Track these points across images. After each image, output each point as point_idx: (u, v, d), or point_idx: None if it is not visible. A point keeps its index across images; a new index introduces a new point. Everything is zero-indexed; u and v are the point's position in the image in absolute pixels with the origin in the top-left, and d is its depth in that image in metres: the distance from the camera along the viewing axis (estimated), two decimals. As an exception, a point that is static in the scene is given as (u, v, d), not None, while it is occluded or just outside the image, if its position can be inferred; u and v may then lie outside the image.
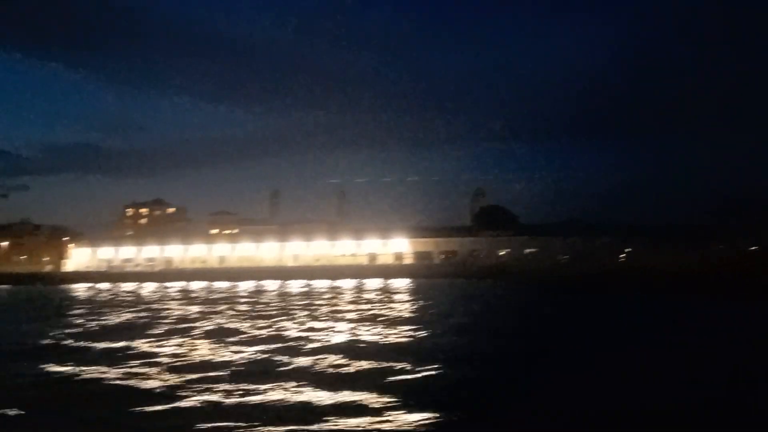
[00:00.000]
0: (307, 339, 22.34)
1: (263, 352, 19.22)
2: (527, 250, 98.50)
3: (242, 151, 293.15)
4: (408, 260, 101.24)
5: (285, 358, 17.82)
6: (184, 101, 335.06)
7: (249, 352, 19.18)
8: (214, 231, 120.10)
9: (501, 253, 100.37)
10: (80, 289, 76.50)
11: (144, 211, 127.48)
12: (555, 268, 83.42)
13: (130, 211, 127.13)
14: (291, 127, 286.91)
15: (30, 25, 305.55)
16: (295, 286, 69.55)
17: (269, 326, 26.88)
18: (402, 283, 70.41)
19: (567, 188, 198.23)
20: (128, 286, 77.93)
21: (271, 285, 72.79)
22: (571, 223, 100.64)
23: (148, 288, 73.13)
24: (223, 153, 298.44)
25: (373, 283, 71.20)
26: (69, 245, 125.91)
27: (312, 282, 78.40)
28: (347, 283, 72.35)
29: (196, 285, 77.29)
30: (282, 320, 29.38)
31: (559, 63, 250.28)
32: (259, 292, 58.83)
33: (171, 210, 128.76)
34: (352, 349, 19.45)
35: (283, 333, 24.37)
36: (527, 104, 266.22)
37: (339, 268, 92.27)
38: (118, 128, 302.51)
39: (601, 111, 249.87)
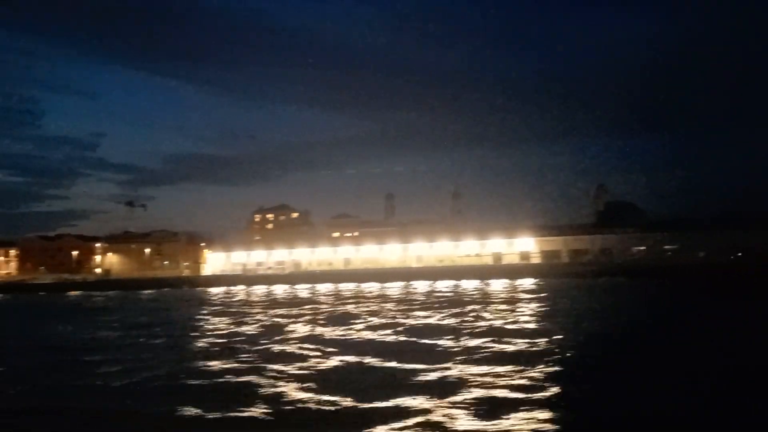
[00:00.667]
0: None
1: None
2: (667, 247, 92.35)
3: (355, 154, 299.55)
4: (535, 259, 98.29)
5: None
6: (291, 109, 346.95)
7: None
8: (336, 234, 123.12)
9: (635, 251, 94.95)
10: (218, 291, 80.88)
11: (270, 216, 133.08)
12: (706, 265, 76.98)
13: (257, 217, 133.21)
14: (402, 128, 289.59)
15: (151, 45, 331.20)
16: (432, 286, 69.79)
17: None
18: (542, 283, 68.57)
19: (694, 181, 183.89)
20: (261, 289, 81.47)
21: (404, 285, 73.35)
22: (707, 218, 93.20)
23: (297, 289, 75.82)
24: (336, 157, 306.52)
25: (501, 283, 69.85)
26: (204, 250, 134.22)
27: (437, 282, 78.40)
28: (475, 284, 71.57)
29: (324, 287, 79.38)
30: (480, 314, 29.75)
31: (680, 51, 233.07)
32: (409, 291, 59.57)
33: (295, 215, 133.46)
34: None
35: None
36: (646, 95, 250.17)
37: (463, 269, 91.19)
38: (232, 137, 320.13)
39: (727, 99, 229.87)
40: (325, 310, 40.66)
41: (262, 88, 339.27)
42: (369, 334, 25.94)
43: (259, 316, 36.96)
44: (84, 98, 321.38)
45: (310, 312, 38.61)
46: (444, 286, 71.65)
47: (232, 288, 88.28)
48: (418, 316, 32.91)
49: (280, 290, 76.31)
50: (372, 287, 73.80)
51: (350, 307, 41.50)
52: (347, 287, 76.13)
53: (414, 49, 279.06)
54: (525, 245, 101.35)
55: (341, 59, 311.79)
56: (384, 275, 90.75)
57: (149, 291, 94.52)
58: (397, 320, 31.58)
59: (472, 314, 33.25)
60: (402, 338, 24.63)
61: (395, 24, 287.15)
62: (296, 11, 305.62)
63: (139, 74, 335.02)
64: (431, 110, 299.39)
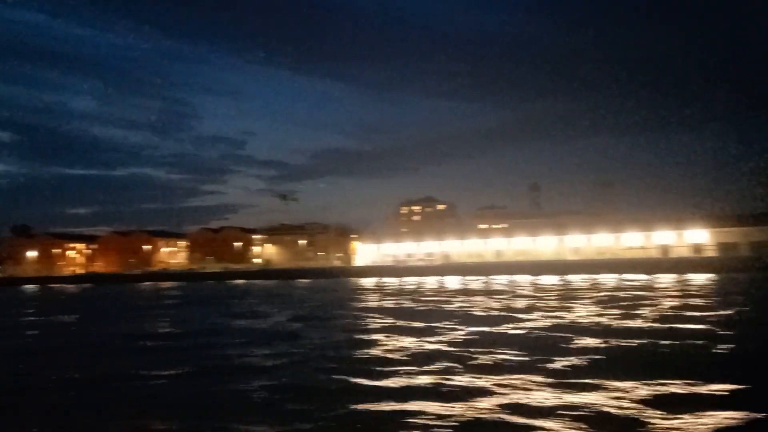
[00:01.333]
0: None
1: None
2: None
3: (494, 145, 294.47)
4: (709, 252, 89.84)
5: None
6: (429, 101, 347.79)
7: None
8: (483, 226, 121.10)
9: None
10: (369, 282, 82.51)
11: (417, 208, 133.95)
12: None
13: (404, 209, 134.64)
14: (542, 116, 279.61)
15: (295, 46, 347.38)
16: (594, 280, 66.20)
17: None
18: (718, 279, 62.45)
19: None
20: (412, 280, 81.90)
21: (569, 279, 70.25)
22: None
23: (446, 281, 75.67)
24: (475, 148, 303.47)
25: (670, 278, 64.39)
26: (353, 242, 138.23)
27: (598, 276, 74.24)
28: (642, 278, 66.69)
29: (475, 279, 78.08)
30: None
31: None
32: (596, 285, 56.78)
33: (441, 207, 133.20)
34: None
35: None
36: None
37: (626, 262, 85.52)
38: (372, 132, 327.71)
39: None
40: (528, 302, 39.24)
41: (400, 82, 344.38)
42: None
43: (486, 304, 36.54)
44: (235, 99, 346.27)
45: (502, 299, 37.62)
46: (606, 279, 67.73)
47: (383, 279, 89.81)
48: (593, 312, 30.63)
49: (431, 281, 76.19)
50: (530, 280, 71.37)
51: (550, 301, 39.14)
52: (499, 279, 74.32)
53: (550, 35, 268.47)
54: (697, 237, 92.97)
55: (478, 49, 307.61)
56: (538, 268, 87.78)
57: (305, 280, 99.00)
58: (605, 315, 29.64)
59: (658, 311, 30.39)
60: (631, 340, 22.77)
61: (530, 10, 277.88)
62: (432, 3, 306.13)
63: (284, 74, 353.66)
64: (573, 97, 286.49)
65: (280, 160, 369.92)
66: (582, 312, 29.97)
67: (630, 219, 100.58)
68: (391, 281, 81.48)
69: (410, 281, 78.71)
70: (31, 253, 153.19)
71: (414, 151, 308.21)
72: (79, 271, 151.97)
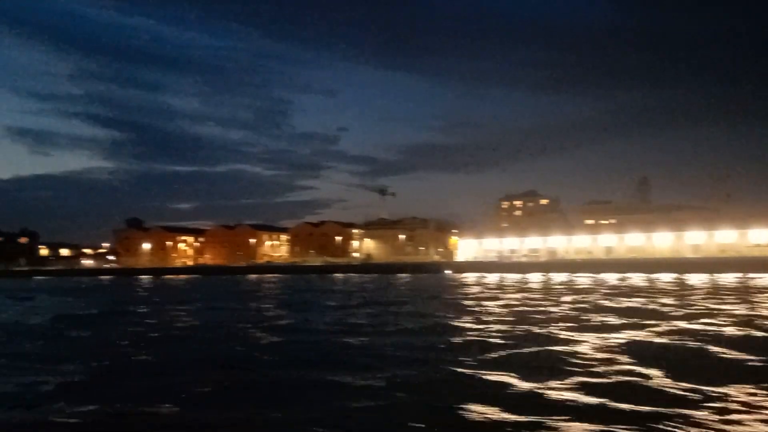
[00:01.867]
0: None
1: None
2: None
3: (592, 136, 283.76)
4: None
5: None
6: (520, 93, 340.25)
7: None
8: (589, 221, 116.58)
9: None
10: (470, 278, 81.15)
11: (518, 203, 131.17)
12: None
13: (505, 204, 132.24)
14: (642, 107, 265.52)
15: (384, 43, 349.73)
16: (718, 279, 61.68)
17: None
18: None
19: None
20: (514, 277, 79.79)
21: (688, 278, 65.97)
22: None
23: (557, 278, 73.24)
24: (571, 140, 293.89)
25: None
26: (451, 237, 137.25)
27: (721, 275, 69.12)
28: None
29: (583, 277, 74.92)
30: None
31: None
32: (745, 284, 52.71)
33: (544, 201, 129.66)
34: None
35: None
36: None
37: (754, 261, 79.40)
38: (462, 126, 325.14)
39: None
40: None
41: (491, 74, 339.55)
42: None
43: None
44: (328, 96, 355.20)
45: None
46: (729, 278, 62.77)
47: (485, 275, 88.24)
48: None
49: (536, 278, 73.82)
50: (646, 278, 67.58)
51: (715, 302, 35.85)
52: (609, 278, 70.87)
53: (649, 22, 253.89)
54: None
55: (573, 37, 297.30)
56: (653, 266, 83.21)
57: (404, 275, 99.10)
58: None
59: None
60: None
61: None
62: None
63: (376, 70, 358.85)
64: (680, 85, 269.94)
65: (372, 155, 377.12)
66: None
67: (756, 214, 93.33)
68: (492, 277, 79.81)
69: (513, 277, 76.72)
70: (146, 245, 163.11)
71: (507, 144, 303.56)
72: (189, 262, 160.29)
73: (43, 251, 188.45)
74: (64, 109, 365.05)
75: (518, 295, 39.95)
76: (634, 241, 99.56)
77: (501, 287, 51.49)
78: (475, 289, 48.77)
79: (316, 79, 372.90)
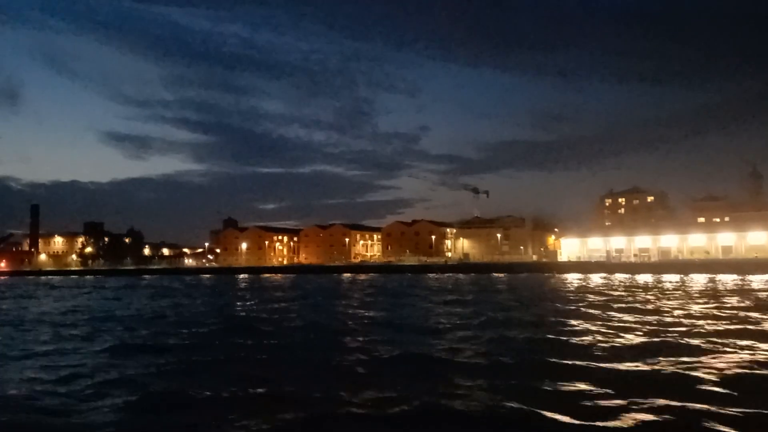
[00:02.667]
0: None
1: None
2: None
3: (696, 130, 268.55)
4: None
5: None
6: (612, 87, 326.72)
7: None
8: (701, 219, 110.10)
9: None
10: (573, 278, 78.29)
11: (622, 200, 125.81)
12: None
13: (608, 201, 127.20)
14: (748, 97, 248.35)
15: (467, 38, 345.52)
16: None
17: None
18: None
19: None
20: (622, 277, 76.28)
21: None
22: None
23: (669, 279, 69.66)
24: (671, 134, 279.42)
25: None
26: (551, 236, 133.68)
27: None
28: None
29: (699, 278, 70.57)
30: None
31: None
32: None
33: (650, 198, 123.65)
34: None
35: None
36: None
37: None
38: (550, 121, 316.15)
39: None
40: None
41: (580, 68, 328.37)
42: None
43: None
44: (410, 95, 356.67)
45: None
46: None
47: (590, 275, 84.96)
48: None
49: (647, 279, 70.11)
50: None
51: None
52: (727, 279, 66.31)
53: (755, 7, 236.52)
54: None
55: (673, 28, 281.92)
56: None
57: (501, 275, 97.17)
58: None
59: None
60: None
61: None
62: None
63: (459, 68, 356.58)
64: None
65: (455, 154, 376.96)
66: None
67: None
68: (596, 278, 76.62)
69: (622, 278, 73.33)
70: (243, 245, 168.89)
71: (604, 139, 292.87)
72: (284, 261, 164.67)
73: (145, 251, 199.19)
74: (159, 114, 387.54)
75: (672, 302, 37.73)
76: (756, 240, 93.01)
77: (628, 289, 48.94)
78: (603, 291, 46.67)
79: (399, 78, 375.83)
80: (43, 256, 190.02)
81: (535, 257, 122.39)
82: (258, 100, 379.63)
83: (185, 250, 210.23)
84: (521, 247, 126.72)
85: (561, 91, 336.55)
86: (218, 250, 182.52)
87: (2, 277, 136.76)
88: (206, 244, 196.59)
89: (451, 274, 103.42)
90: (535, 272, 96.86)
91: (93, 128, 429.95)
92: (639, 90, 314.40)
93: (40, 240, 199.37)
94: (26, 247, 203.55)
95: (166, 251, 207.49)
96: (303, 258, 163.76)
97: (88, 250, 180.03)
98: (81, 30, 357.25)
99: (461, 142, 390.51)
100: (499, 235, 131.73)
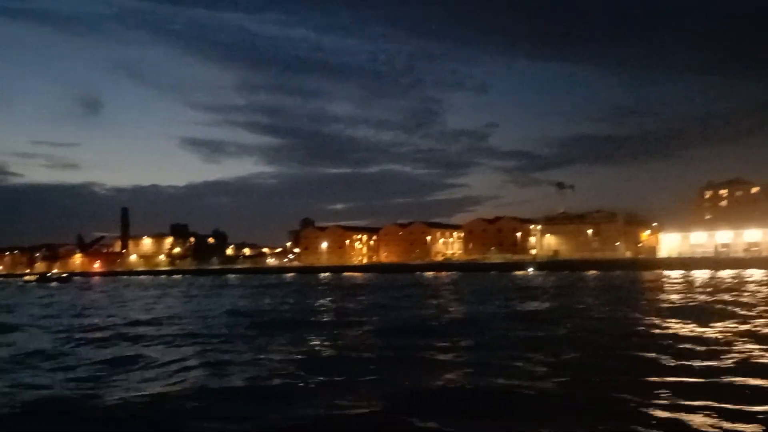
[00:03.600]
0: None
1: None
2: None
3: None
4: None
5: None
6: (691, 78, 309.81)
7: None
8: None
9: None
10: (675, 275, 73.65)
11: (723, 191, 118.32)
12: None
13: (708, 193, 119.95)
14: None
15: (535, 33, 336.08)
16: None
17: None
18: None
19: None
20: (729, 274, 71.04)
21: None
22: None
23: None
24: (755, 124, 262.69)
25: None
26: (643, 231, 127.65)
27: None
28: None
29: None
30: None
31: None
32: None
33: (755, 189, 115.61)
34: None
35: None
36: None
37: None
38: (626, 115, 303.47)
39: None
40: None
41: (656, 59, 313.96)
42: None
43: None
44: (478, 93, 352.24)
45: None
46: None
47: (693, 272, 79.91)
48: None
49: (758, 275, 64.81)
50: None
51: None
52: None
53: None
54: None
55: (752, 14, 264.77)
56: None
57: (593, 272, 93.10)
58: None
59: None
60: None
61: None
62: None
63: (528, 62, 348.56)
64: None
65: (524, 150, 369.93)
66: None
67: None
68: (700, 274, 71.72)
69: (729, 274, 68.26)
70: (323, 244, 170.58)
71: (679, 133, 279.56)
72: (364, 260, 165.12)
73: (228, 251, 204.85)
74: (231, 119, 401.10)
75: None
76: None
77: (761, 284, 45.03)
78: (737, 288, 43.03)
79: (466, 76, 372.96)
80: (133, 257, 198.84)
81: (628, 254, 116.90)
82: (326, 102, 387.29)
83: (264, 249, 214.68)
84: (616, 244, 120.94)
85: (634, 83, 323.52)
86: (297, 250, 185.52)
87: (96, 278, 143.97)
88: (288, 244, 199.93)
89: (539, 272, 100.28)
90: (632, 270, 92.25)
91: (171, 134, 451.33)
92: (717, 81, 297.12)
93: (130, 241, 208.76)
94: (117, 249, 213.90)
95: (246, 251, 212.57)
96: (383, 257, 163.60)
97: (177, 250, 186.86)
98: (158, 41, 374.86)
99: (531, 138, 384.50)
100: (590, 231, 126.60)
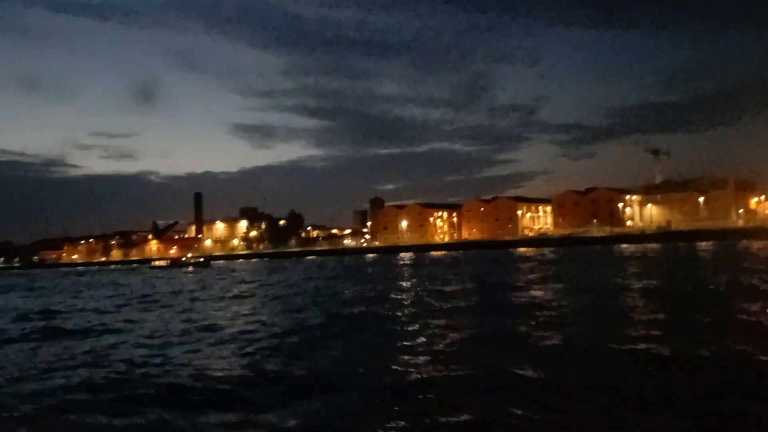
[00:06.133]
0: None
1: None
2: None
3: None
4: None
5: None
6: (748, 35, 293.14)
7: None
8: None
9: None
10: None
11: None
12: None
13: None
14: None
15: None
16: None
17: None
18: None
19: None
20: None
21: None
22: None
23: None
24: None
25: None
26: (753, 198, 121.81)
27: None
28: None
29: None
30: None
31: None
32: None
33: None
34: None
35: None
36: None
37: None
38: (682, 80, 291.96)
39: None
40: None
41: (711, 20, 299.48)
42: None
43: None
44: (527, 65, 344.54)
45: None
46: None
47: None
48: None
49: None
50: None
51: None
52: None
53: None
54: None
55: None
56: None
57: (706, 243, 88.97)
58: None
59: None
60: None
61: None
62: None
63: (579, 31, 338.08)
64: None
65: (577, 122, 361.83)
66: None
67: None
68: None
69: None
70: (403, 223, 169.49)
71: (744, 95, 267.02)
72: (446, 238, 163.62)
73: (304, 233, 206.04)
74: (280, 103, 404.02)
75: None
76: None
77: None
78: None
79: (516, 48, 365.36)
80: (208, 242, 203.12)
81: (741, 222, 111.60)
82: (373, 82, 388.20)
83: (334, 231, 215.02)
84: (732, 211, 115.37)
85: (692, 46, 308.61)
86: (366, 229, 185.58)
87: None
88: (362, 224, 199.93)
89: (647, 245, 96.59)
90: (755, 239, 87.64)
91: (222, 121, 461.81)
92: None
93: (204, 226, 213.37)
94: (191, 234, 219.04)
95: (315, 232, 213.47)
96: (467, 234, 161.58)
97: (253, 234, 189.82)
98: (208, 28, 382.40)
99: (584, 110, 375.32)
100: (701, 199, 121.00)
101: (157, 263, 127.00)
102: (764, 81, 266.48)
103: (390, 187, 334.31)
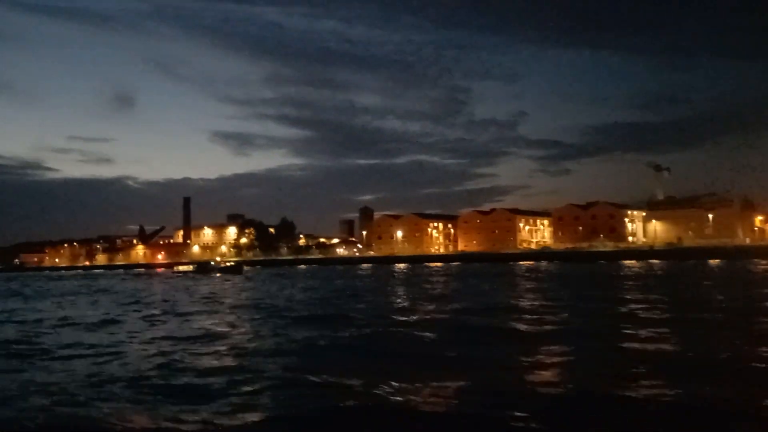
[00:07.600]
0: None
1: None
2: None
3: None
4: None
5: None
6: (717, 64, 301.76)
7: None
8: None
9: None
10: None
11: None
12: None
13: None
14: None
15: (566, 20, 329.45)
16: None
17: None
18: None
19: None
20: None
21: None
22: None
23: None
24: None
25: None
26: (758, 216, 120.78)
27: None
28: None
29: None
30: None
31: None
32: None
33: None
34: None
35: None
36: None
37: None
38: (658, 102, 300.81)
39: None
40: None
41: (687, 47, 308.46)
42: None
43: None
44: (507, 82, 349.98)
45: None
46: None
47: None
48: None
49: None
50: None
51: None
52: None
53: None
54: None
55: None
56: None
57: (716, 261, 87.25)
58: None
59: None
60: None
61: None
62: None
63: (561, 51, 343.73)
64: None
65: (554, 138, 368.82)
66: None
67: None
68: None
69: None
70: (398, 232, 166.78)
71: (717, 120, 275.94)
72: (441, 250, 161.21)
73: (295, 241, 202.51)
74: (260, 112, 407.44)
75: None
76: None
77: None
78: None
79: (495, 65, 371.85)
80: (195, 248, 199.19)
81: (747, 241, 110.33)
82: (354, 93, 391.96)
83: (322, 240, 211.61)
84: (739, 230, 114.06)
85: (667, 70, 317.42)
86: (354, 239, 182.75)
87: (160, 269, 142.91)
88: (364, 233, 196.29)
89: (652, 261, 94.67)
90: (764, 258, 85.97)
91: (201, 128, 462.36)
92: (747, 66, 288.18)
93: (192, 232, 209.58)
94: (178, 239, 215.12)
95: (302, 241, 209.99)
96: (462, 245, 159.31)
97: (243, 240, 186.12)
98: (189, 35, 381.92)
99: (561, 127, 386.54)
100: (710, 215, 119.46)
101: (182, 268, 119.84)
102: (738, 106, 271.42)
103: (368, 197, 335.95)
